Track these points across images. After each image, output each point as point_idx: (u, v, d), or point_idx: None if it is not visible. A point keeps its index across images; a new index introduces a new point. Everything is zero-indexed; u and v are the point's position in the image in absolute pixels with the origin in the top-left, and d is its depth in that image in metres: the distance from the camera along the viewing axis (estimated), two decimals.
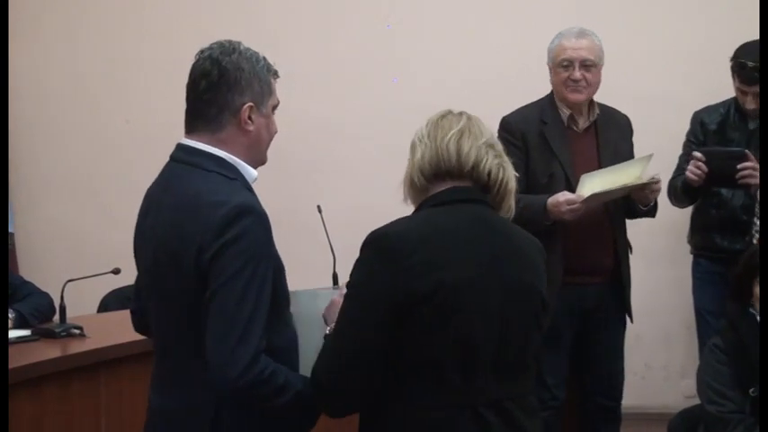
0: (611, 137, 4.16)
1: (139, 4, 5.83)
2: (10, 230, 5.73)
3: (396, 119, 5.63)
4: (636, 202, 4.08)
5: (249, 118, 2.35)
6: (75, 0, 5.95)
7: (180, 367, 2.34)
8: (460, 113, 2.39)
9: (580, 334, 4.19)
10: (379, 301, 2.17)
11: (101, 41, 5.90)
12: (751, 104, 4.37)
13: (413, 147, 2.36)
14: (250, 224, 2.23)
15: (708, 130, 4.51)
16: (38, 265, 5.73)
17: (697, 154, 4.22)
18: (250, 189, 2.36)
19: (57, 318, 3.84)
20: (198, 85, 2.36)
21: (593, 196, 3.89)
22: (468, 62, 5.51)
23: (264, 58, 2.41)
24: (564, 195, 3.94)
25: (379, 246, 2.22)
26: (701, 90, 4.82)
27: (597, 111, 4.17)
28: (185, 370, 2.32)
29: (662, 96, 5.09)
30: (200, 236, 2.24)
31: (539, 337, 2.37)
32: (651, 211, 4.18)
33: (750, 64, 4.29)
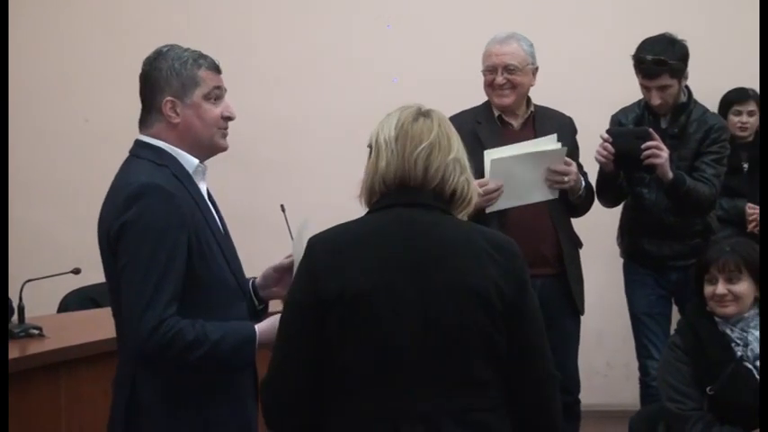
0: (550, 133, 4.16)
1: (99, 1, 5.80)
2: None
3: (364, 117, 5.65)
4: (555, 186, 4.08)
5: (175, 112, 2.59)
6: None
7: (119, 343, 2.60)
8: (430, 116, 2.30)
9: None
10: (301, 307, 2.18)
11: (59, 40, 5.86)
12: (656, 99, 4.32)
13: (377, 149, 2.26)
14: (151, 202, 2.44)
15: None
16: None
17: (604, 135, 4.22)
18: (182, 176, 2.57)
19: (15, 318, 3.80)
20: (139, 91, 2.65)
21: (496, 164, 3.92)
22: (452, 60, 5.55)
23: (192, 55, 2.63)
24: (476, 180, 3.98)
25: (307, 252, 2.23)
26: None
27: (532, 109, 4.22)
28: (120, 345, 2.59)
29: (616, 97, 5.15)
30: (109, 216, 2.50)
31: (494, 345, 2.18)
32: (582, 206, 4.21)
33: (649, 57, 4.28)
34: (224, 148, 2.68)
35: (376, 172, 2.25)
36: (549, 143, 4.05)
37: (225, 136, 2.66)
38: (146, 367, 2.46)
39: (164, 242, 2.43)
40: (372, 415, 2.14)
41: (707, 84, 4.75)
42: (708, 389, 3.30)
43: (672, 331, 4.28)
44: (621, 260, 4.68)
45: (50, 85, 5.82)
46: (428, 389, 2.14)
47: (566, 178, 4.05)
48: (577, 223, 4.31)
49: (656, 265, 4.48)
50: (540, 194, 4.07)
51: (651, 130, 4.19)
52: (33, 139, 5.84)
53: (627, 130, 4.32)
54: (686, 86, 4.41)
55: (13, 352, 3.47)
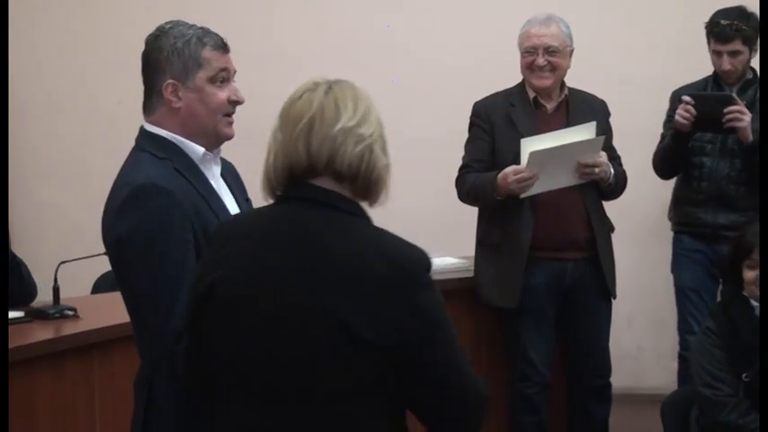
0: (583, 117, 4.18)
1: None
2: None
3: (390, 104, 5.64)
4: (586, 178, 4.10)
5: (176, 96, 2.39)
6: None
7: (138, 344, 2.43)
8: (317, 86, 2.00)
9: (563, 313, 4.22)
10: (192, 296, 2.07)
11: (92, 21, 5.88)
12: (727, 65, 4.41)
13: (269, 142, 2.02)
14: (148, 204, 2.26)
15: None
16: (31, 246, 5.71)
17: (686, 98, 4.29)
18: (185, 168, 2.36)
19: (50, 299, 3.83)
20: (141, 72, 2.47)
21: (535, 156, 3.92)
22: (457, 51, 5.53)
23: (197, 33, 2.42)
24: (511, 167, 4.02)
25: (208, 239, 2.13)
26: (682, 73, 4.83)
27: (566, 92, 4.22)
28: (138, 347, 2.42)
29: (644, 79, 5.12)
30: (107, 221, 2.35)
31: (362, 377, 1.89)
32: (613, 191, 4.23)
33: (723, 22, 4.37)
34: (229, 137, 2.45)
35: (266, 167, 2.01)
36: (588, 132, 4.05)
37: (231, 124, 2.44)
38: (161, 371, 2.30)
39: (169, 247, 2.24)
40: (215, 426, 2.02)
41: None
42: (743, 375, 3.28)
43: None
44: (653, 242, 4.68)
45: (83, 68, 5.84)
46: (283, 407, 1.93)
47: (596, 170, 4.05)
48: (608, 206, 4.31)
49: (710, 236, 4.49)
50: (573, 179, 4.07)
51: (734, 95, 4.29)
52: (66, 122, 5.88)
53: (709, 95, 4.40)
54: (751, 66, 4.47)
55: (48, 333, 3.51)
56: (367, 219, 2.00)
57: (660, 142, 4.54)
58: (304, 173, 1.96)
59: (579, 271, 4.19)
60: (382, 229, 1.98)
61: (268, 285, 1.93)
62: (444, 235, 5.33)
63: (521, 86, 4.27)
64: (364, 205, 2.03)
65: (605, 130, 4.23)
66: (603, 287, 4.25)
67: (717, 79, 4.53)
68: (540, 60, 4.14)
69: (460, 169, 4.30)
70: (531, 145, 3.98)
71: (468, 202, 4.31)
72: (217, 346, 2.00)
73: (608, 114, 4.33)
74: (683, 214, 4.61)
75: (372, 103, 2.01)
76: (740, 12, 4.45)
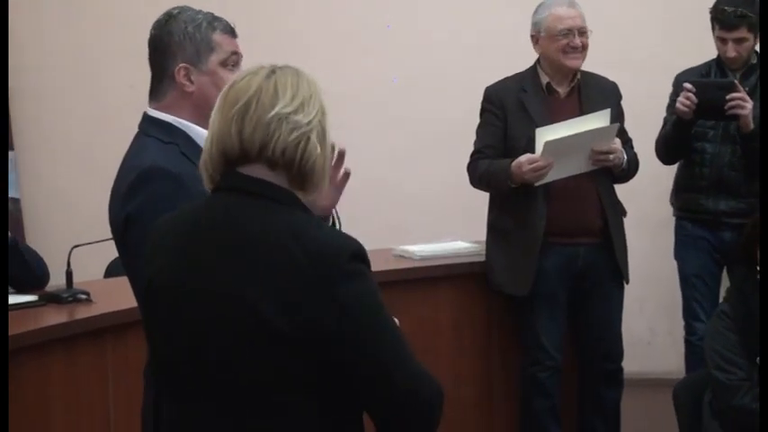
0: (596, 103, 4.17)
1: None
2: (16, 196, 5.74)
3: (401, 87, 5.64)
4: (600, 165, 4.09)
5: (189, 79, 2.40)
6: None
7: None
8: (260, 70, 1.91)
9: (575, 297, 4.22)
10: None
11: (104, 6, 5.88)
12: (732, 52, 4.38)
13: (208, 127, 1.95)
14: (156, 188, 2.25)
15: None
16: (44, 231, 5.74)
17: (687, 85, 4.27)
18: (191, 153, 2.31)
19: (64, 283, 3.85)
20: (148, 58, 2.46)
21: (550, 145, 3.91)
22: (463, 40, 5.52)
23: (206, 17, 2.43)
24: (525, 156, 4.00)
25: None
26: (684, 55, 4.82)
27: (578, 76, 4.20)
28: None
29: (644, 62, 5.11)
30: (115, 206, 2.34)
31: (282, 371, 1.81)
32: (625, 175, 4.22)
33: (728, 8, 4.34)
34: None
35: (203, 153, 1.93)
36: (602, 120, 4.04)
37: None
38: None
39: None
40: (170, 423, 1.98)
41: None
42: (758, 359, 3.27)
43: (721, 296, 4.32)
44: (664, 227, 4.67)
45: (94, 52, 5.85)
46: (206, 405, 1.88)
47: (610, 156, 4.05)
48: (619, 190, 4.30)
49: (711, 222, 4.48)
50: (587, 165, 4.07)
51: (736, 81, 4.26)
52: (78, 106, 5.89)
53: (711, 82, 4.38)
54: (755, 50, 4.45)
55: (62, 317, 3.52)
56: (297, 207, 1.88)
57: (663, 127, 4.51)
58: (238, 159, 1.87)
59: (592, 255, 4.19)
60: (311, 218, 1.89)
61: (189, 276, 1.88)
62: (455, 220, 5.34)
63: (533, 71, 4.26)
64: (303, 195, 1.93)
65: (617, 113, 4.22)
66: (616, 271, 4.24)
67: (720, 64, 4.50)
68: (577, 41, 4.11)
69: (472, 155, 4.29)
70: (545, 134, 3.97)
71: (480, 187, 4.30)
72: (156, 340, 1.99)
73: (619, 97, 4.32)
74: (684, 200, 4.60)
75: (318, 91, 1.91)
76: None
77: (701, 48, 4.62)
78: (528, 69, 4.27)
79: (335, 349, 1.79)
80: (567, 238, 4.14)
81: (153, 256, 1.97)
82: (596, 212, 4.17)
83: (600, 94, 4.24)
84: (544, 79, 4.21)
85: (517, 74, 4.29)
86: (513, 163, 4.03)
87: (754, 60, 4.46)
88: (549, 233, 4.11)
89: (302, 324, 1.78)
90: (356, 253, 1.82)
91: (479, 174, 4.22)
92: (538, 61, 4.25)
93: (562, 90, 4.22)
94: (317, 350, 1.79)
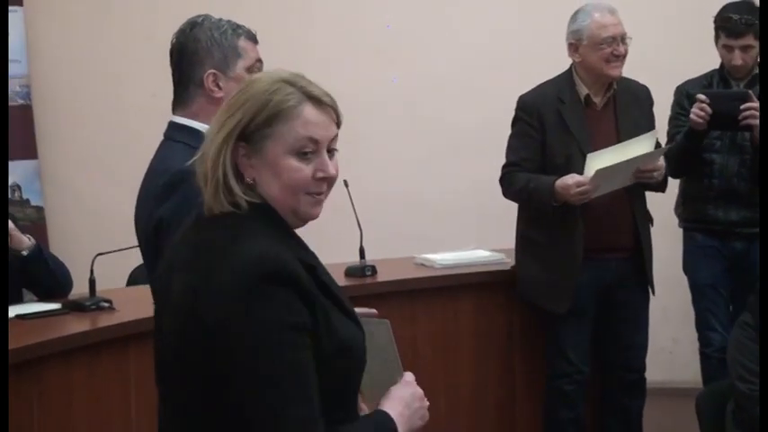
0: (631, 113, 4.14)
1: None
2: (40, 204, 5.77)
3: (419, 91, 5.64)
4: (642, 181, 4.06)
5: (217, 86, 2.40)
6: None
7: None
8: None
9: (602, 308, 4.20)
10: None
11: (125, 13, 5.91)
12: (738, 60, 4.36)
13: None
14: (189, 191, 2.13)
15: (694, 100, 4.39)
16: (67, 239, 5.77)
17: (701, 96, 4.24)
18: None
19: (86, 291, 3.87)
20: (171, 66, 2.46)
21: (600, 173, 3.86)
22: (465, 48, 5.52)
23: (230, 24, 2.44)
24: (573, 178, 3.93)
25: None
26: (681, 64, 4.83)
27: (615, 86, 4.14)
28: None
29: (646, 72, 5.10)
30: (146, 209, 2.33)
31: (209, 385, 1.75)
32: (661, 186, 4.19)
33: (735, 16, 4.32)
34: None
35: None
36: (649, 143, 4.01)
37: None
38: None
39: None
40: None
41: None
42: None
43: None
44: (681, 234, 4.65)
45: (117, 60, 5.88)
46: (171, 415, 1.89)
47: (655, 174, 4.02)
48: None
49: (721, 232, 4.46)
50: (629, 180, 4.04)
51: (751, 92, 4.24)
52: (102, 114, 5.92)
53: (724, 92, 4.37)
54: (757, 61, 4.42)
55: (84, 325, 3.54)
56: (258, 221, 1.83)
57: (669, 141, 4.45)
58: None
59: (622, 268, 4.15)
60: (255, 234, 1.80)
61: (165, 279, 1.89)
62: (475, 227, 5.34)
63: (569, 80, 4.15)
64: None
65: (650, 120, 4.20)
66: (643, 283, 4.22)
67: (722, 74, 4.47)
68: (621, 49, 4.03)
69: (507, 166, 4.17)
70: (596, 162, 3.89)
71: (515, 200, 4.21)
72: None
73: (652, 102, 4.26)
74: (693, 211, 4.56)
75: (253, 94, 1.87)
76: (750, 5, 4.40)
77: (699, 58, 4.61)
78: (563, 77, 4.17)
79: (213, 374, 1.75)
80: (601, 254, 4.09)
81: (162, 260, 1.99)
82: (629, 227, 4.13)
83: (634, 103, 4.18)
84: (583, 90, 4.11)
85: (551, 81, 4.19)
86: (559, 183, 3.94)
87: (757, 71, 4.43)
88: (583, 249, 4.06)
89: (190, 344, 1.78)
90: (249, 277, 1.74)
91: (518, 188, 4.11)
92: (573, 69, 4.15)
93: (599, 101, 4.13)
94: (204, 371, 1.76)
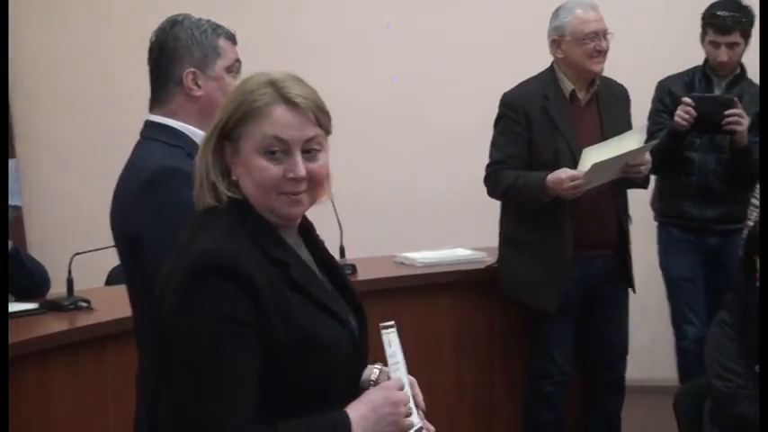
0: (612, 109, 4.17)
1: None
2: (17, 204, 5.74)
3: (405, 89, 5.64)
4: (629, 175, 4.08)
5: (196, 84, 2.41)
6: None
7: (139, 339, 2.47)
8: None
9: (584, 307, 4.20)
10: None
11: (106, 10, 5.89)
12: (724, 56, 4.45)
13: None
14: (173, 186, 2.22)
15: (676, 97, 4.51)
16: (45, 238, 5.74)
17: (687, 99, 4.31)
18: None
19: (65, 291, 3.85)
20: (148, 64, 2.47)
21: (595, 167, 3.88)
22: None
23: (210, 23, 2.45)
24: (565, 172, 3.93)
25: None
26: (661, 61, 4.87)
27: (597, 82, 4.16)
28: (140, 342, 2.46)
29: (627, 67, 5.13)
30: (127, 206, 2.34)
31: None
32: (644, 182, 4.23)
33: (724, 13, 4.41)
34: None
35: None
36: (639, 137, 4.06)
37: None
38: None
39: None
40: None
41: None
42: (756, 367, 3.27)
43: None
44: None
45: (101, 58, 5.85)
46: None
47: (642, 168, 4.04)
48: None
49: (697, 229, 4.55)
50: (616, 174, 4.06)
51: (736, 99, 4.33)
52: (82, 113, 5.90)
53: (710, 97, 4.44)
54: (741, 62, 4.52)
55: (62, 324, 3.53)
56: (231, 216, 1.89)
57: (649, 137, 4.47)
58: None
59: (607, 265, 4.17)
60: (212, 230, 1.86)
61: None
62: (457, 226, 5.33)
63: (552, 76, 4.14)
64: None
65: (628, 119, 4.23)
66: (625, 281, 4.24)
67: (705, 71, 4.54)
68: (603, 44, 4.05)
69: (492, 164, 4.15)
70: (592, 156, 3.90)
71: (502, 198, 4.19)
72: None
73: (629, 102, 4.29)
74: (670, 207, 4.65)
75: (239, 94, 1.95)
76: (737, 4, 4.48)
77: (682, 53, 4.67)
78: (546, 74, 4.16)
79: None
80: (587, 251, 4.09)
81: None
82: (614, 225, 4.15)
83: (614, 100, 4.21)
84: (568, 86, 4.11)
85: (534, 79, 4.19)
86: (551, 178, 3.93)
87: (738, 71, 4.53)
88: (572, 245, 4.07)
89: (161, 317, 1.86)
90: (197, 266, 1.80)
91: (506, 185, 4.08)
92: (556, 65, 4.15)
93: (582, 97, 4.14)
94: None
